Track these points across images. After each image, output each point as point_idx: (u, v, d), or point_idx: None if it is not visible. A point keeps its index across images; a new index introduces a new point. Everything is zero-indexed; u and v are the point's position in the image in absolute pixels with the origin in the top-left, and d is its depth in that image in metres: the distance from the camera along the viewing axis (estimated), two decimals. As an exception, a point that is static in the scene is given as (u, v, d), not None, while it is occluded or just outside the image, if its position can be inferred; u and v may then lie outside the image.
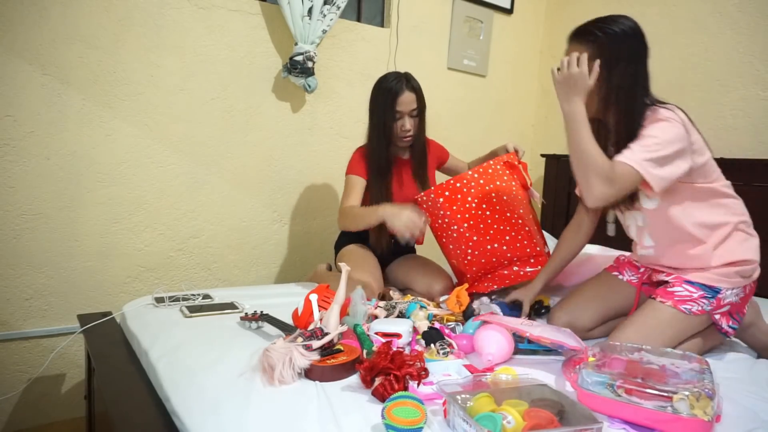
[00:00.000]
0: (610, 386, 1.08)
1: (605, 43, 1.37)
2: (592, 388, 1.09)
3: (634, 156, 1.32)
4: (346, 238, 2.11)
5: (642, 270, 1.62)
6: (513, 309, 1.65)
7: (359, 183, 1.95)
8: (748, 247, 1.45)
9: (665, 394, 1.02)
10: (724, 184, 1.45)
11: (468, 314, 1.59)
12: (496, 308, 1.64)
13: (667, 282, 1.49)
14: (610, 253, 1.96)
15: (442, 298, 1.76)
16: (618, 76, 1.38)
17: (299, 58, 2.16)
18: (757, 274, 1.46)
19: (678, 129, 1.33)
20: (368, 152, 1.97)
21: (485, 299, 1.72)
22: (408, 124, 1.91)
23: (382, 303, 1.60)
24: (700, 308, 1.41)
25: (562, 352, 1.35)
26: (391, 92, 1.88)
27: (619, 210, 1.57)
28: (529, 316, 1.66)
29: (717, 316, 1.43)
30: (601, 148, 1.37)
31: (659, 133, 1.33)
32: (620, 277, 1.64)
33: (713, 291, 1.41)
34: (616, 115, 1.42)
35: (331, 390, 1.11)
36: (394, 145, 1.99)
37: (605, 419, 1.03)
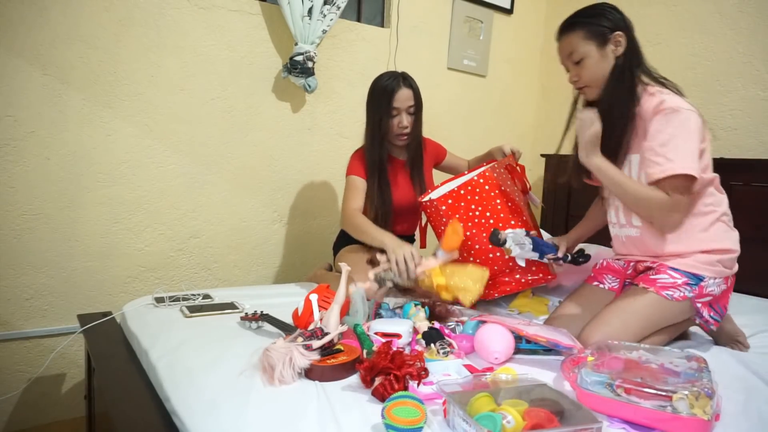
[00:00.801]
0: (609, 386, 1.08)
1: (594, 23, 1.49)
2: (592, 387, 1.09)
3: (681, 164, 1.36)
4: (345, 239, 2.11)
5: (624, 265, 1.61)
6: (548, 246, 1.64)
7: (361, 183, 1.95)
8: (730, 237, 1.49)
9: (664, 394, 1.02)
10: (714, 176, 1.49)
11: (501, 242, 1.57)
12: (528, 241, 1.60)
13: (651, 269, 1.49)
14: (608, 252, 1.96)
15: (439, 254, 1.70)
16: (614, 47, 1.48)
17: (299, 58, 2.16)
18: (736, 267, 1.50)
19: (697, 119, 1.39)
20: (365, 152, 1.97)
21: (520, 231, 1.63)
22: (405, 120, 1.91)
23: (371, 275, 1.59)
24: (682, 294, 1.42)
25: (561, 351, 1.35)
26: (387, 89, 1.89)
27: (603, 194, 1.62)
28: (565, 260, 1.69)
29: (699, 305, 1.44)
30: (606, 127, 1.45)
31: (682, 132, 1.37)
32: (601, 286, 1.63)
33: (697, 278, 1.43)
34: (616, 91, 1.47)
35: (331, 390, 1.11)
36: (391, 143, 1.99)
37: (605, 419, 1.03)
